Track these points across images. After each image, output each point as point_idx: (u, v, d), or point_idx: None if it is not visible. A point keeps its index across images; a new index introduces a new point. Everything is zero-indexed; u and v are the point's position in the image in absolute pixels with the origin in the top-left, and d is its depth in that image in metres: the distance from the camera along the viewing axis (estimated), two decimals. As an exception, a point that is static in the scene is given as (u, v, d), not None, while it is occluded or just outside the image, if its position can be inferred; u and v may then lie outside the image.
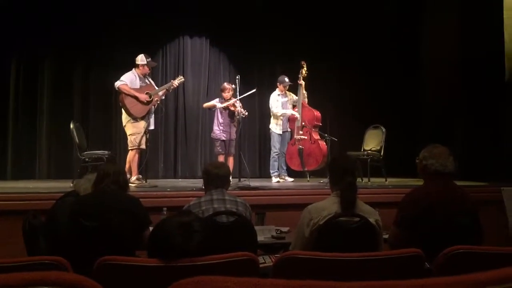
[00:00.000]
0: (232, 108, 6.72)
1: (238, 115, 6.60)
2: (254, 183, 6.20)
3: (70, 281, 0.75)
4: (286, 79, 7.10)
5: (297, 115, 7.05)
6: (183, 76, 7.08)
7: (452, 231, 2.68)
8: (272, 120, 7.14)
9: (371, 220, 2.67)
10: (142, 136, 6.05)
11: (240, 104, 6.66)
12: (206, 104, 7.22)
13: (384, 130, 6.85)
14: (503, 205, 5.01)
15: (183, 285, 0.74)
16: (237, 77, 6.66)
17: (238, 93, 6.58)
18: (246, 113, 6.78)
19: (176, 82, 6.53)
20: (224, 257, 1.81)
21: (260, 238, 3.29)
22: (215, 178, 3.24)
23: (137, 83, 6.22)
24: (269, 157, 7.28)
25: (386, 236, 2.95)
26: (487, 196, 5.02)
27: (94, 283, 0.79)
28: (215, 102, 6.97)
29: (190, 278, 0.75)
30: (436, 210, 2.76)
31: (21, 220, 3.24)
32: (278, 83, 7.16)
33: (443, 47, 7.87)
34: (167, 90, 6.53)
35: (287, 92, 7.20)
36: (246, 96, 6.80)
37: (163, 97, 6.62)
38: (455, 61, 7.56)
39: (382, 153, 6.71)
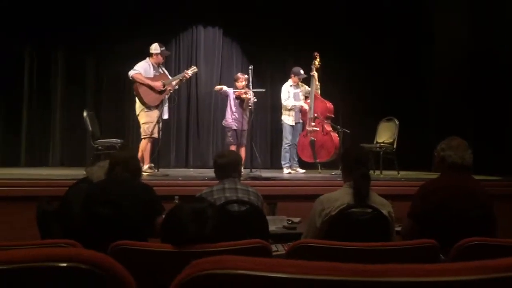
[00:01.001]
0: (244, 96, 6.72)
1: (251, 105, 6.58)
2: (266, 174, 6.20)
3: (90, 258, 0.75)
4: (301, 71, 7.06)
5: (307, 107, 7.02)
6: (196, 66, 7.09)
7: (465, 224, 2.66)
8: (284, 112, 7.12)
9: (384, 211, 2.65)
10: (155, 125, 6.07)
11: (253, 93, 6.64)
12: (217, 87, 7.27)
13: (397, 122, 6.79)
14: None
15: (203, 264, 0.74)
16: (249, 67, 6.65)
17: (251, 83, 6.59)
18: (255, 99, 6.75)
19: (189, 72, 6.53)
20: (237, 244, 1.81)
21: (272, 228, 3.30)
22: (222, 167, 3.25)
23: (151, 72, 6.23)
24: (281, 148, 7.26)
25: (398, 229, 2.94)
26: (500, 190, 4.99)
27: (112, 260, 0.79)
28: (228, 89, 6.97)
29: (209, 257, 0.75)
30: (450, 203, 2.74)
31: (35, 206, 3.27)
32: (292, 75, 7.12)
33: (455, 39, 7.79)
34: (180, 80, 6.53)
35: (299, 83, 7.17)
36: (255, 91, 6.77)
37: (176, 87, 6.62)
38: (467, 53, 7.48)
39: (395, 146, 6.66)
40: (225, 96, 7.02)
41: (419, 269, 0.74)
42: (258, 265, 0.74)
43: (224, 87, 7.10)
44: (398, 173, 6.62)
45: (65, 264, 0.76)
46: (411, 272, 0.74)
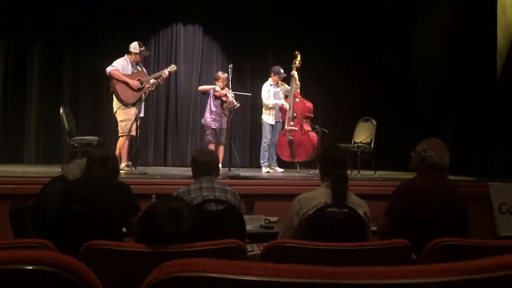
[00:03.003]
0: (224, 98, 6.69)
1: (230, 106, 6.57)
2: (244, 173, 6.20)
3: (57, 261, 0.75)
4: (282, 71, 7.06)
5: (287, 105, 7.03)
6: (176, 64, 7.03)
7: (440, 224, 2.71)
8: (264, 111, 7.12)
9: (360, 211, 2.68)
10: (133, 123, 6.02)
11: (233, 95, 6.62)
12: (201, 87, 7.16)
13: (375, 123, 6.86)
14: (490, 200, 5.08)
15: (171, 266, 0.74)
16: (229, 66, 6.64)
17: (230, 82, 6.57)
18: (238, 105, 6.74)
19: (167, 71, 6.47)
20: (212, 244, 1.81)
21: (249, 227, 3.30)
22: (202, 165, 3.23)
23: (129, 70, 6.18)
24: (260, 147, 7.27)
25: (374, 228, 2.98)
26: (474, 191, 5.07)
27: (81, 264, 0.79)
28: (212, 87, 6.91)
29: (178, 260, 0.75)
30: (427, 202, 2.79)
31: (8, 204, 3.22)
32: (272, 74, 7.11)
33: (435, 42, 7.89)
34: (158, 79, 6.45)
35: (279, 82, 7.17)
36: (239, 94, 6.74)
37: (153, 88, 6.52)
38: (446, 57, 7.59)
39: (372, 146, 6.73)
40: (205, 94, 6.98)
41: (387, 271, 0.75)
42: (227, 268, 0.74)
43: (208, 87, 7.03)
44: (375, 173, 6.70)
45: (31, 267, 0.75)
46: (379, 275, 0.75)
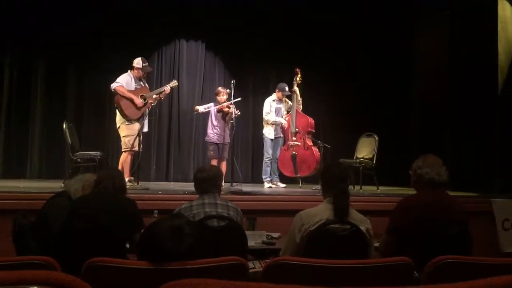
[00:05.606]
0: (226, 109, 6.72)
1: (232, 119, 6.58)
2: (246, 188, 6.20)
3: (60, 281, 0.75)
4: (287, 88, 7.08)
5: (286, 124, 7.04)
6: (178, 80, 7.07)
7: (442, 240, 2.70)
8: (265, 125, 7.14)
9: (362, 228, 2.67)
10: (136, 138, 6.04)
11: (234, 106, 6.65)
12: (199, 109, 7.09)
13: (377, 138, 6.86)
14: (492, 216, 5.05)
15: (173, 286, 0.74)
16: (231, 81, 6.68)
17: (232, 98, 6.61)
18: (239, 113, 6.75)
19: (168, 87, 6.51)
20: (214, 261, 1.81)
21: (251, 243, 3.29)
22: (202, 182, 3.25)
23: (132, 85, 6.23)
24: (262, 162, 7.27)
25: (377, 245, 2.97)
26: (477, 207, 5.05)
27: (84, 283, 0.79)
28: (209, 105, 6.94)
29: (179, 280, 0.76)
30: (428, 219, 2.77)
31: (11, 219, 3.22)
32: (277, 90, 7.15)
33: (434, 58, 7.93)
34: (160, 94, 6.49)
35: (283, 99, 7.20)
36: (236, 101, 6.74)
37: (155, 103, 6.54)
38: (446, 72, 7.61)
39: (374, 161, 6.72)
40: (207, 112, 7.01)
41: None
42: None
43: (201, 108, 7.02)
44: (378, 189, 6.68)
45: (35, 287, 0.76)
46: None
